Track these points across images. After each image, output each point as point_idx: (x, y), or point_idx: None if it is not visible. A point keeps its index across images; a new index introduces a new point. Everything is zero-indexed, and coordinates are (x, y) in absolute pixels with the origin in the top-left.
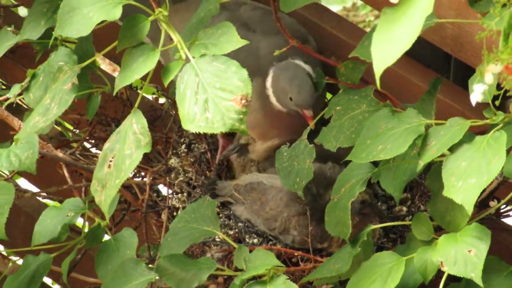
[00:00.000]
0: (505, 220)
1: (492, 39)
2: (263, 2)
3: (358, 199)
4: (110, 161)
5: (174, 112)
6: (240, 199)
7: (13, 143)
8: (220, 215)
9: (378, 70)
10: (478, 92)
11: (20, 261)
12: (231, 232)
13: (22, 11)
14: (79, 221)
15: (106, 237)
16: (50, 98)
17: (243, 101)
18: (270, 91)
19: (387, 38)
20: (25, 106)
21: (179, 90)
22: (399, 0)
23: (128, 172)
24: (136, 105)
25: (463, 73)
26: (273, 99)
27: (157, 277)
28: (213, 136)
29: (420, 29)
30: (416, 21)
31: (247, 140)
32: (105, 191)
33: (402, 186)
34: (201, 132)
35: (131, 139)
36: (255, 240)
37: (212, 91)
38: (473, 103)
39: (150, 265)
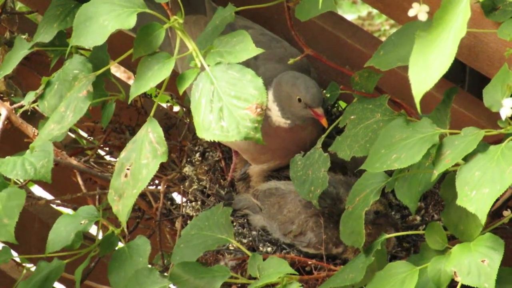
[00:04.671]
0: None
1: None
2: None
3: (372, 209)
4: (127, 169)
5: (188, 120)
6: (257, 207)
7: (28, 151)
8: (234, 224)
9: (417, 94)
10: (507, 107)
11: (33, 268)
12: (245, 241)
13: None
14: (93, 229)
15: (120, 245)
16: (65, 106)
17: (258, 110)
18: (272, 106)
19: (423, 63)
20: (39, 114)
21: (194, 98)
22: (427, 17)
23: (146, 182)
24: (152, 113)
25: (478, 83)
26: (275, 114)
27: (170, 285)
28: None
29: (454, 54)
30: (449, 47)
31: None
32: (122, 201)
33: (417, 197)
34: (216, 140)
35: (147, 149)
36: (269, 249)
37: (227, 99)
38: (503, 117)
39: (164, 274)
